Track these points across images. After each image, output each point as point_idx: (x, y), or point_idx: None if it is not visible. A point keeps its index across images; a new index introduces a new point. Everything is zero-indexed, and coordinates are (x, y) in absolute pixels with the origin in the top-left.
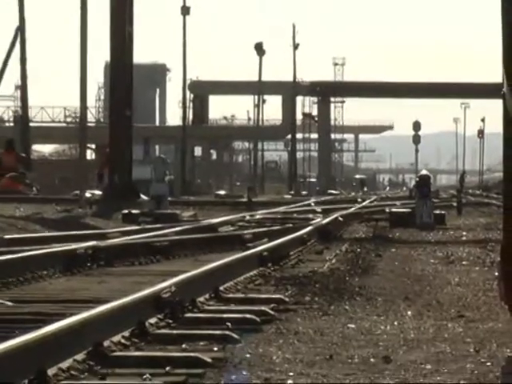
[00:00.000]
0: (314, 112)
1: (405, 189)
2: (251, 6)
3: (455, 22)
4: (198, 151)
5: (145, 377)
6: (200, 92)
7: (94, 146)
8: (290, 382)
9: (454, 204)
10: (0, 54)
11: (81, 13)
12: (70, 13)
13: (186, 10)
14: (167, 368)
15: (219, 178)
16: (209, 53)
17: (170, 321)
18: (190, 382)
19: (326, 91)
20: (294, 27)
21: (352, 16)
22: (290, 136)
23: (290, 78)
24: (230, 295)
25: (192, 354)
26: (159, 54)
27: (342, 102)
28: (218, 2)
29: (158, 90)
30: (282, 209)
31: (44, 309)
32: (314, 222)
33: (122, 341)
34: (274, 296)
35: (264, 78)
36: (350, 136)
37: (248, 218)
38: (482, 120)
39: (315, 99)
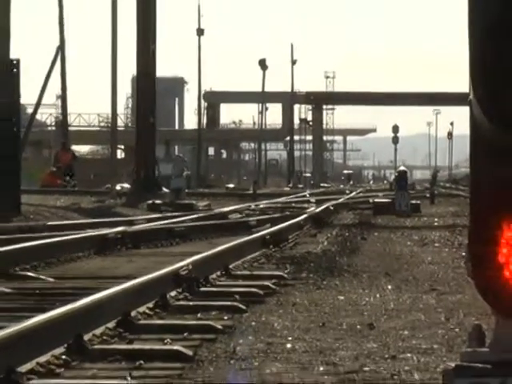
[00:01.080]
0: (309, 117)
1: (386, 182)
2: (257, 27)
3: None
4: (211, 151)
5: (165, 341)
6: (213, 101)
7: (122, 147)
8: (288, 345)
9: (428, 195)
10: (43, 69)
11: (112, 34)
12: (102, 32)
13: (200, 32)
14: (185, 334)
15: (229, 173)
16: (220, 67)
17: (188, 294)
18: (204, 346)
19: (319, 100)
20: (292, 46)
21: (340, 35)
22: (288, 138)
23: (288, 89)
24: (238, 272)
25: (205, 322)
26: (178, 68)
27: (333, 109)
28: (229, 23)
29: (177, 100)
30: (281, 199)
31: (81, 284)
32: (308, 210)
33: (147, 311)
34: (275, 273)
35: (267, 89)
36: (339, 138)
37: (253, 207)
38: (451, 124)
39: (310, 107)
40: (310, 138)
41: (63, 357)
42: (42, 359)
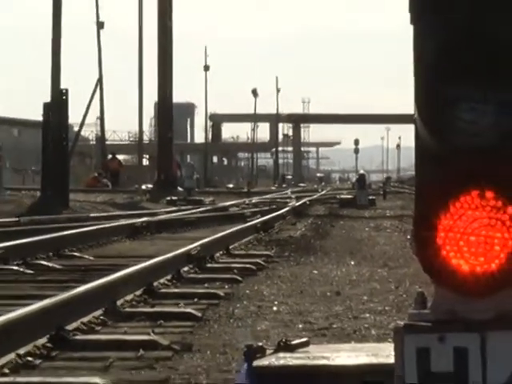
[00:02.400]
0: (290, 133)
1: (349, 183)
2: (250, 63)
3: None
4: (214, 159)
5: (180, 305)
6: (216, 121)
7: (147, 156)
8: (274, 308)
9: (381, 192)
10: (86, 96)
11: (138, 70)
12: (132, 68)
13: (206, 68)
14: (195, 299)
15: (229, 176)
16: (222, 94)
17: (197, 269)
18: (210, 309)
19: (297, 120)
20: (276, 79)
21: (316, 68)
22: (274, 149)
23: (274, 111)
24: (236, 252)
25: (211, 291)
26: (190, 96)
27: (308, 126)
28: (229, 61)
29: (188, 120)
30: (269, 196)
31: (115, 262)
32: (290, 204)
33: (166, 282)
34: (264, 252)
35: (258, 112)
36: (313, 149)
37: (247, 201)
38: (399, 138)
39: (290, 125)
40: (290, 149)
41: (101, 317)
42: (85, 319)
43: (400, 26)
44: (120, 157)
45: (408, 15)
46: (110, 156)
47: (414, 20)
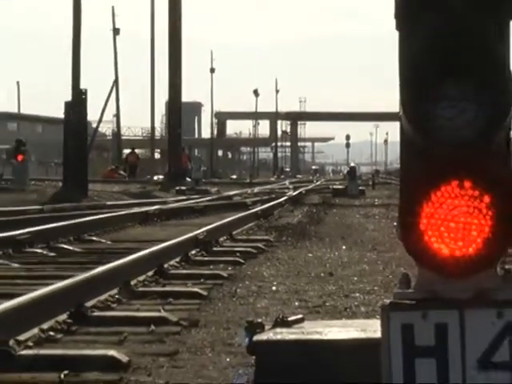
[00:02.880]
0: (288, 129)
1: (341, 174)
2: (253, 65)
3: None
4: (220, 153)
5: (188, 285)
6: (221, 118)
7: (159, 150)
8: (273, 288)
9: (370, 183)
10: (103, 95)
11: (150, 72)
12: (145, 70)
13: (212, 70)
14: (201, 280)
15: (232, 168)
16: (227, 94)
17: (204, 252)
18: (214, 288)
19: (295, 117)
20: (276, 81)
21: (312, 69)
22: (273, 144)
23: (273, 110)
24: (239, 237)
25: (216, 272)
26: (197, 95)
27: (304, 123)
28: (234, 63)
29: (196, 117)
30: (269, 186)
31: (129, 245)
32: (287, 193)
33: (175, 264)
34: (264, 237)
35: (259, 110)
36: (308, 144)
37: (249, 191)
38: (387, 134)
39: (288, 122)
40: (288, 144)
41: (116, 296)
42: (102, 298)
43: (387, 32)
44: (132, 151)
45: (394, 22)
46: (129, 150)
47: (399, 26)
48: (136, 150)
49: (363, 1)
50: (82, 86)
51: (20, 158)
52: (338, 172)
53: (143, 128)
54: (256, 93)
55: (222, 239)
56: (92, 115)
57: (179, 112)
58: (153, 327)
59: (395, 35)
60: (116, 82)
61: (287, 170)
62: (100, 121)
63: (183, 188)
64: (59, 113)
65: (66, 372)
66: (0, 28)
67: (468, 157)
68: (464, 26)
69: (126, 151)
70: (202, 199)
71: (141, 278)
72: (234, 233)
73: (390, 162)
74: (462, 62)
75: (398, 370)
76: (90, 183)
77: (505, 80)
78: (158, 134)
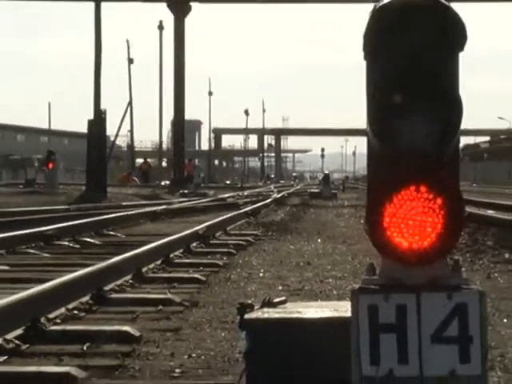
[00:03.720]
0: (273, 143)
1: (317, 180)
2: (243, 90)
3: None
4: (216, 162)
5: (189, 272)
6: (218, 133)
7: (165, 160)
8: (260, 274)
9: (341, 187)
10: (120, 113)
11: (159, 95)
12: (154, 92)
13: (210, 93)
14: (200, 268)
15: (227, 175)
16: (222, 113)
17: (203, 245)
18: (211, 275)
19: (279, 133)
20: (263, 102)
21: (292, 94)
22: (261, 154)
23: (261, 126)
24: (232, 232)
25: (213, 261)
26: (197, 114)
27: (287, 138)
28: (230, 87)
29: (197, 133)
30: (257, 190)
31: (141, 238)
32: (272, 196)
33: (179, 254)
34: (253, 232)
35: (249, 126)
36: (290, 154)
37: (241, 194)
38: (355, 146)
39: (273, 137)
40: (273, 154)
41: (130, 281)
42: (118, 282)
43: (357, 61)
44: (144, 160)
45: (362, 53)
46: (141, 160)
47: (366, 57)
48: (146, 161)
49: (337, 33)
50: (102, 106)
51: (50, 165)
52: (315, 178)
53: (153, 141)
54: (246, 112)
55: (218, 234)
56: (110, 130)
57: (182, 128)
58: (160, 307)
59: (363, 64)
60: (130, 103)
61: (272, 176)
62: (117, 135)
63: (186, 191)
64: (83, 129)
65: (88, 344)
66: (34, 59)
67: (424, 165)
68: (419, 58)
69: (139, 161)
70: (201, 201)
71: (151, 266)
72: (228, 228)
73: (358, 169)
74: (418, 87)
75: (365, 343)
76: (108, 187)
77: (454, 101)
78: (165, 146)
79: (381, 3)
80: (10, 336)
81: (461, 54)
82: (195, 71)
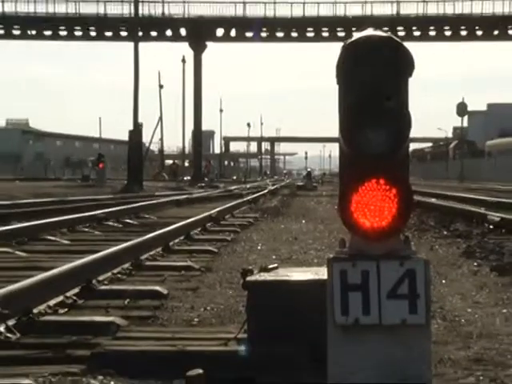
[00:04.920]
0: (269, 148)
1: (302, 176)
2: (247, 107)
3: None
4: (226, 163)
5: (205, 245)
6: (227, 141)
7: (187, 161)
8: (258, 247)
9: (320, 181)
10: (153, 125)
11: (182, 111)
12: (178, 108)
13: (221, 110)
14: (214, 242)
15: (233, 172)
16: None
17: (216, 225)
18: (222, 247)
19: (273, 140)
20: (261, 117)
21: (284, 110)
22: (259, 156)
23: (259, 135)
24: (237, 215)
25: (222, 237)
26: (211, 125)
27: (279, 144)
28: (234, 105)
29: (211, 140)
30: (256, 183)
31: (169, 220)
32: (268, 188)
33: (197, 232)
34: (253, 215)
35: (250, 135)
36: (281, 156)
37: (244, 187)
38: (330, 150)
39: (269, 143)
40: (268, 156)
41: (160, 252)
42: (151, 253)
43: (331, 86)
44: (170, 161)
45: (334, 80)
46: (171, 161)
47: (338, 83)
48: (173, 162)
49: (316, 64)
50: (139, 120)
51: (101, 165)
52: (300, 174)
53: (177, 147)
54: (248, 125)
55: (226, 216)
56: (145, 138)
57: (200, 137)
58: (183, 272)
59: (336, 88)
60: (160, 118)
61: (268, 173)
62: (150, 142)
63: (202, 184)
64: (125, 137)
65: (128, 300)
66: (89, 84)
67: (382, 164)
68: (378, 83)
69: (168, 162)
70: (214, 191)
71: (176, 241)
72: (234, 212)
73: (332, 168)
74: (377, 105)
75: (337, 299)
76: (144, 181)
77: (404, 116)
78: (187, 150)
79: (349, 41)
80: (69, 294)
81: (410, 80)
82: (210, 93)
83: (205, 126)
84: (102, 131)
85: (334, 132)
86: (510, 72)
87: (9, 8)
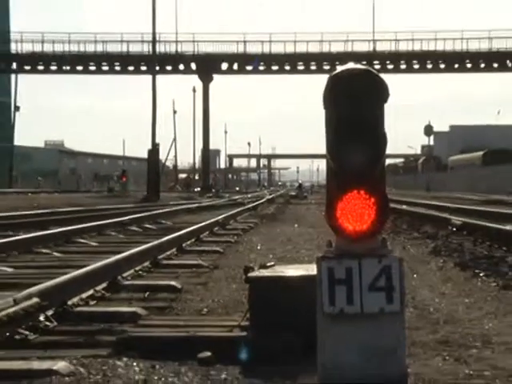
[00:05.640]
0: (266, 163)
1: (294, 187)
2: (248, 130)
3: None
4: (230, 176)
5: (213, 246)
6: (231, 157)
7: (198, 174)
8: (258, 247)
9: (310, 191)
10: (168, 144)
11: (193, 131)
12: (189, 129)
13: (226, 132)
14: (220, 243)
15: (236, 184)
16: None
17: (222, 229)
18: (227, 248)
19: (269, 157)
20: (259, 138)
21: (278, 133)
22: (258, 171)
23: (258, 153)
24: (240, 220)
25: (227, 239)
26: (217, 144)
27: (275, 160)
28: (236, 128)
29: (217, 157)
30: (256, 194)
31: (182, 225)
32: (266, 197)
33: (206, 235)
34: (253, 220)
35: (251, 153)
36: (277, 171)
37: (245, 196)
38: (318, 165)
39: (266, 160)
40: (266, 171)
41: (175, 252)
42: (167, 253)
43: (319, 111)
44: (184, 175)
45: (322, 106)
46: (185, 175)
47: (324, 108)
48: (185, 175)
49: (307, 92)
50: (156, 141)
51: (124, 179)
52: (293, 186)
53: (189, 162)
54: (249, 144)
55: (231, 222)
56: (162, 156)
57: (208, 154)
58: (194, 269)
59: (323, 113)
60: (174, 138)
61: (265, 185)
62: (166, 159)
63: (210, 195)
64: (144, 155)
65: (147, 293)
66: (112, 109)
67: (362, 177)
68: (358, 108)
69: (181, 175)
70: (220, 201)
71: (188, 243)
72: (237, 218)
73: (320, 180)
74: (358, 127)
75: (326, 292)
76: (160, 192)
77: (381, 136)
78: (197, 166)
79: (333, 74)
80: (98, 288)
81: (385, 105)
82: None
83: (212, 146)
84: (126, 150)
85: (322, 149)
86: (469, 98)
87: (47, 48)
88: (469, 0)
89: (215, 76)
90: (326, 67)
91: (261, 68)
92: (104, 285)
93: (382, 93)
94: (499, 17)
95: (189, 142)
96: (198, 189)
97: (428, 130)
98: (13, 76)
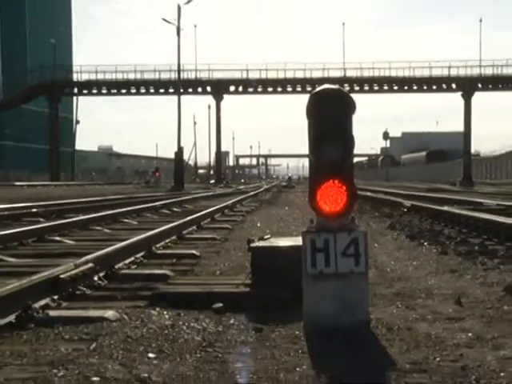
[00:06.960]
0: (263, 162)
1: (285, 179)
2: (250, 138)
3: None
4: (236, 171)
5: (224, 223)
6: (237, 157)
7: (212, 171)
8: (258, 224)
9: (297, 182)
10: (189, 147)
11: (208, 138)
12: (205, 133)
13: (233, 138)
14: (229, 221)
15: (242, 177)
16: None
17: (231, 211)
18: (233, 226)
19: (266, 157)
20: (259, 144)
21: (271, 140)
22: (258, 167)
23: (257, 153)
24: (245, 205)
25: (234, 218)
26: (227, 147)
27: (271, 159)
28: (242, 137)
29: (226, 157)
30: (256, 185)
31: (200, 208)
32: (263, 187)
33: (219, 215)
34: (254, 204)
35: (252, 153)
36: (272, 167)
37: (248, 186)
38: (303, 163)
39: (264, 159)
40: (263, 167)
41: (194, 229)
42: (189, 229)
43: (303, 121)
44: (202, 171)
45: (305, 116)
46: (203, 171)
47: (307, 118)
48: (203, 171)
49: (296, 108)
50: (181, 144)
51: (157, 174)
52: (284, 178)
53: (206, 161)
54: (251, 147)
55: (237, 206)
56: (185, 156)
57: (220, 156)
58: (209, 241)
59: (306, 122)
60: (195, 143)
61: (264, 177)
62: (188, 159)
63: (222, 185)
64: (172, 155)
65: (174, 260)
66: (148, 121)
67: (336, 170)
68: (333, 118)
69: (200, 171)
70: (229, 189)
71: (205, 221)
72: (243, 203)
73: (305, 173)
74: (333, 132)
75: (309, 257)
76: (184, 184)
77: (350, 138)
78: (212, 164)
79: (314, 92)
80: (137, 256)
81: (353, 116)
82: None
83: (223, 148)
84: (158, 152)
85: (306, 150)
86: (416, 111)
87: (100, 76)
88: (415, 39)
89: (225, 96)
90: (309, 88)
91: (259, 89)
92: (142, 253)
93: (350, 107)
94: (437, 51)
95: (205, 145)
96: (213, 181)
97: (385, 136)
98: (74, 98)
